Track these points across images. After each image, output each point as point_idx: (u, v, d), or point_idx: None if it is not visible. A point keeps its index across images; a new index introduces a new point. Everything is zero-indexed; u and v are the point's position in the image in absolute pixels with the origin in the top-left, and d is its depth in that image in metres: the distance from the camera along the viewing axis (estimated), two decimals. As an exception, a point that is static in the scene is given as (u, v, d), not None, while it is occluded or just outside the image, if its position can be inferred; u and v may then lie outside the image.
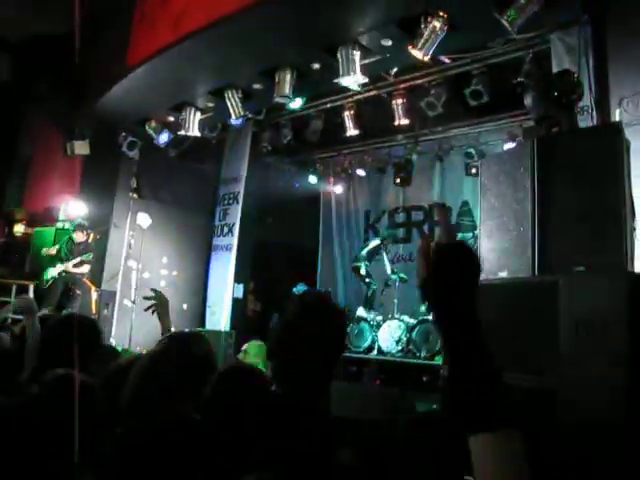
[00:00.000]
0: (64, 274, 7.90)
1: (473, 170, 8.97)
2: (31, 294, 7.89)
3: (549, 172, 3.28)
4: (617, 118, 4.87)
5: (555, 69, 5.69)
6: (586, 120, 5.21)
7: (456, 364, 0.99)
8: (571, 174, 3.20)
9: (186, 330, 2.50)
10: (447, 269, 1.00)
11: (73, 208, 9.27)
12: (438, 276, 1.00)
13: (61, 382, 1.65)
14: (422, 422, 1.57)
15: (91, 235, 8.46)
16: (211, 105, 7.78)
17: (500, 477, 0.94)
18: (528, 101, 3.93)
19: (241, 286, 9.65)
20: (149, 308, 2.67)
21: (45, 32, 9.91)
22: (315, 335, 1.61)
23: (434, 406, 4.82)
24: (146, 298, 2.70)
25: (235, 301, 9.43)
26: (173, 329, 2.67)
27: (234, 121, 7.94)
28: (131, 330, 8.08)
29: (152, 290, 2.70)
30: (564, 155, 3.31)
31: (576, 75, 4.06)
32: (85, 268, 8.06)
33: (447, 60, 7.23)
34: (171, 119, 8.30)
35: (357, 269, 9.39)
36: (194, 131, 7.98)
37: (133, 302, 8.42)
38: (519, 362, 2.73)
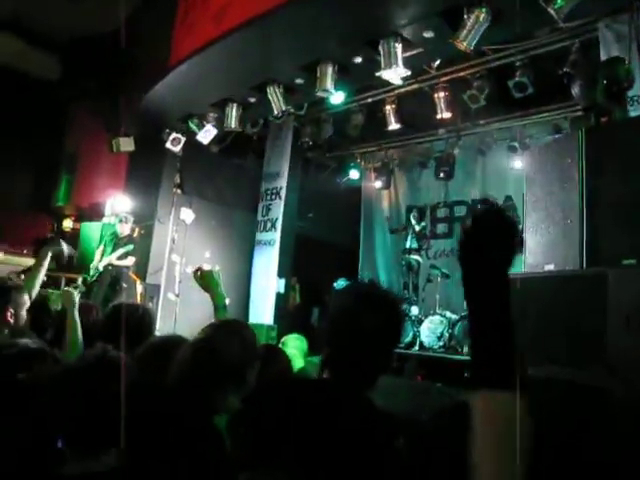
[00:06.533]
0: (110, 267, 8.05)
1: (517, 164, 8.80)
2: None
3: (597, 163, 3.18)
4: (669, 107, 4.70)
5: (603, 58, 5.52)
6: (637, 110, 5.05)
7: (479, 316, 0.96)
8: (621, 165, 3.10)
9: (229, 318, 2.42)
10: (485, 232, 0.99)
11: (119, 203, 9.47)
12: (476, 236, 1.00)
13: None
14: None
15: (136, 230, 8.62)
16: (253, 100, 7.81)
17: (497, 441, 0.91)
18: (575, 91, 3.82)
19: (283, 280, 9.71)
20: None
21: (91, 32, 10.17)
22: (371, 324, 1.58)
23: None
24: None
25: (277, 295, 9.50)
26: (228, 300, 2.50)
27: (275, 116, 7.97)
28: (175, 323, 8.21)
29: (193, 273, 2.54)
30: (613, 145, 3.20)
31: (627, 63, 3.93)
32: (129, 261, 8.18)
33: (490, 52, 7.09)
34: (214, 115, 8.38)
35: (409, 264, 9.40)
36: (236, 127, 8.04)
37: (177, 295, 8.56)
38: (564, 355, 2.67)
